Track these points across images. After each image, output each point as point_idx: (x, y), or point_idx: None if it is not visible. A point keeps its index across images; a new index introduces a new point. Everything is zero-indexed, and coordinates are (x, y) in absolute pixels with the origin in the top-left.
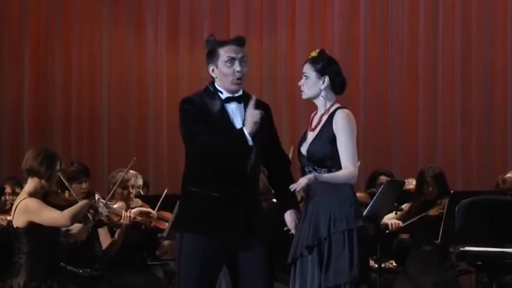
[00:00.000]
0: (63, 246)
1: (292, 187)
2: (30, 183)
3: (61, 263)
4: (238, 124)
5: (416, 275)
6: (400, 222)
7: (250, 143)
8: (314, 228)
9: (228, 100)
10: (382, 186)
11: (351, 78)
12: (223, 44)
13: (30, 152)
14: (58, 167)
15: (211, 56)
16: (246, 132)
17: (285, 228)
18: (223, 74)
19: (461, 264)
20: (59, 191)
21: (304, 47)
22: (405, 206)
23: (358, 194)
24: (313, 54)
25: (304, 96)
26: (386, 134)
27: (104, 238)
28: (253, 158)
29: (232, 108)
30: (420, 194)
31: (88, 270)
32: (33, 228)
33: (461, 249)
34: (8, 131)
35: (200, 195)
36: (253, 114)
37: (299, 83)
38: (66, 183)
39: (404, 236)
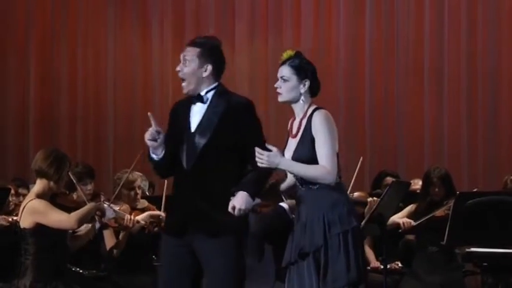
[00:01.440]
0: (69, 247)
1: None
2: (39, 184)
3: (67, 264)
4: (194, 123)
5: (422, 276)
6: (412, 222)
7: (154, 158)
8: (310, 234)
9: (194, 100)
10: (387, 187)
11: (357, 79)
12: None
13: (40, 153)
14: (67, 170)
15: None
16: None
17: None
18: None
19: (467, 265)
20: (67, 193)
21: (310, 48)
22: (411, 207)
23: (357, 193)
24: (287, 55)
25: (282, 99)
26: (392, 134)
27: (109, 239)
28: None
29: (198, 107)
30: (426, 194)
31: (94, 271)
32: (40, 229)
33: (467, 250)
34: (13, 131)
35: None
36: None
37: (275, 85)
38: (76, 184)
39: (410, 236)
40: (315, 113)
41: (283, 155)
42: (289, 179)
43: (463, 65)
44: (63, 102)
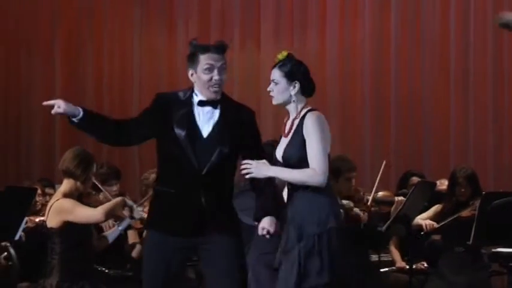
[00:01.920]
0: (95, 247)
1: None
2: (66, 184)
3: (93, 264)
4: (206, 128)
5: (448, 276)
6: (435, 223)
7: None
8: (289, 235)
9: (202, 104)
10: (413, 187)
11: (382, 78)
12: (204, 49)
13: (68, 154)
14: (94, 170)
15: (192, 60)
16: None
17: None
18: (201, 81)
19: (493, 265)
20: (93, 193)
21: (335, 46)
22: (437, 207)
23: (382, 193)
24: (280, 57)
25: (275, 102)
26: (418, 134)
27: (133, 240)
28: (214, 159)
29: (205, 111)
30: (452, 195)
31: (119, 271)
32: (66, 228)
33: (493, 250)
34: (40, 131)
35: (161, 192)
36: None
37: (268, 89)
38: (100, 186)
39: (436, 236)
40: (308, 115)
41: (275, 152)
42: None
43: (489, 64)
44: (89, 102)
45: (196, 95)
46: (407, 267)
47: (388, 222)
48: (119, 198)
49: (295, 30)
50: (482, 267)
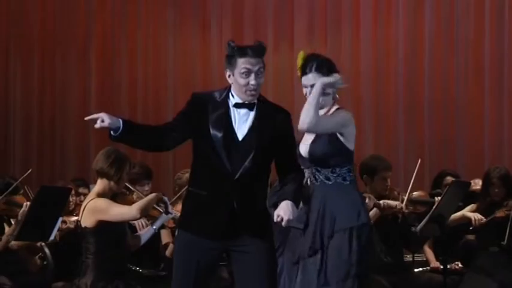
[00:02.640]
0: (129, 246)
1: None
2: (100, 184)
3: (127, 264)
4: (242, 131)
5: (483, 276)
6: (483, 218)
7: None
8: (320, 230)
9: (238, 106)
10: (447, 187)
11: (416, 78)
12: (242, 53)
13: (101, 154)
14: (128, 170)
15: (229, 62)
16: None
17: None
18: (238, 84)
19: None
20: (127, 193)
21: (369, 45)
22: (471, 207)
23: (417, 193)
24: (301, 59)
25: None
26: (452, 134)
27: (166, 239)
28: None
29: (241, 114)
30: (486, 195)
31: (153, 270)
32: (101, 228)
33: None
34: (74, 133)
35: (193, 193)
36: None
37: (306, 94)
38: (130, 186)
39: (471, 237)
40: (339, 110)
41: (298, 147)
42: None
43: None
44: (124, 103)
45: (233, 96)
46: (442, 267)
47: (423, 222)
48: (153, 194)
49: (328, 30)
50: None
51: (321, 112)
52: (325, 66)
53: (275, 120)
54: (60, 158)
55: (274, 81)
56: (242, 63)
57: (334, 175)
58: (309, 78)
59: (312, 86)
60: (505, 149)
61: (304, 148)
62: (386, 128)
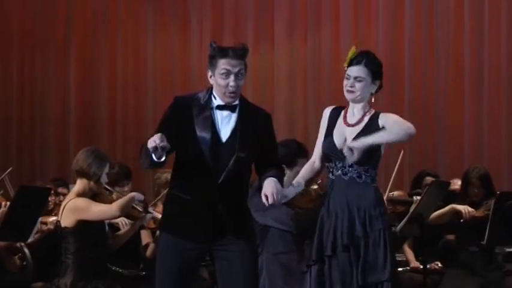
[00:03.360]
0: (109, 246)
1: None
2: (79, 184)
3: (107, 264)
4: (225, 133)
5: (462, 276)
6: (474, 211)
7: (154, 161)
8: (349, 226)
9: (220, 107)
10: (427, 187)
11: (396, 79)
12: (223, 54)
13: (81, 153)
14: (107, 170)
15: (211, 62)
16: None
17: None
18: (218, 85)
19: (507, 265)
20: (107, 193)
21: (349, 46)
22: (450, 207)
23: (397, 192)
24: (353, 53)
25: (355, 98)
26: (432, 134)
27: (146, 240)
28: (231, 167)
29: (223, 116)
30: (465, 195)
31: (133, 270)
32: (81, 227)
33: (508, 250)
34: (54, 131)
35: (175, 196)
36: (150, 140)
37: (348, 85)
38: (107, 187)
39: (450, 236)
40: (384, 113)
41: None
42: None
43: (503, 64)
44: (103, 103)
45: (215, 98)
46: (421, 267)
47: (403, 221)
48: (131, 193)
49: (309, 29)
50: (497, 267)
51: (362, 110)
52: (376, 66)
53: (257, 121)
54: (39, 158)
55: (254, 80)
56: (222, 64)
57: (367, 174)
58: (355, 69)
59: (356, 77)
60: (485, 149)
61: (339, 139)
62: None
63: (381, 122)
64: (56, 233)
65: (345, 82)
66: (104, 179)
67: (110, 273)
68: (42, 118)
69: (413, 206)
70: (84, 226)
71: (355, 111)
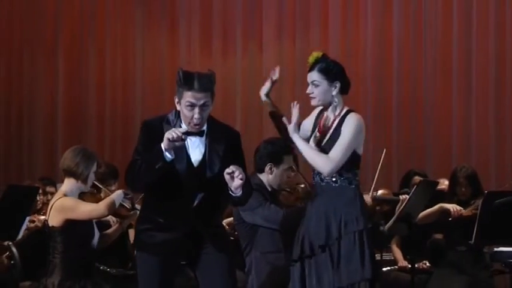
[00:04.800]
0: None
1: None
2: (67, 183)
3: (95, 263)
4: (195, 157)
5: (450, 276)
6: (462, 209)
7: (168, 158)
8: (326, 228)
9: (188, 134)
10: (415, 186)
11: (385, 79)
12: (188, 86)
13: (68, 152)
14: (95, 169)
15: (178, 90)
16: (162, 147)
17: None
18: (183, 114)
19: (495, 264)
20: (95, 192)
21: (337, 45)
22: (438, 207)
23: (381, 191)
24: (313, 59)
25: (316, 103)
26: (420, 134)
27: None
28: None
29: (192, 140)
30: (453, 194)
31: (121, 269)
32: (68, 226)
33: (495, 249)
34: (42, 130)
35: (148, 219)
36: (169, 131)
37: (307, 91)
38: (99, 184)
39: (438, 236)
40: (350, 114)
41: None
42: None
43: (491, 64)
44: (92, 103)
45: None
46: (409, 266)
47: (391, 221)
48: (118, 191)
49: (297, 30)
50: (484, 267)
51: (332, 112)
52: (329, 69)
53: (226, 142)
54: (27, 157)
55: (243, 81)
56: (187, 96)
57: (342, 178)
58: (310, 75)
59: (312, 82)
60: (473, 149)
61: (312, 144)
62: None
63: (343, 127)
64: (43, 231)
65: (308, 88)
66: (92, 178)
67: (98, 273)
68: (30, 117)
69: (399, 205)
70: (71, 225)
71: (329, 115)
